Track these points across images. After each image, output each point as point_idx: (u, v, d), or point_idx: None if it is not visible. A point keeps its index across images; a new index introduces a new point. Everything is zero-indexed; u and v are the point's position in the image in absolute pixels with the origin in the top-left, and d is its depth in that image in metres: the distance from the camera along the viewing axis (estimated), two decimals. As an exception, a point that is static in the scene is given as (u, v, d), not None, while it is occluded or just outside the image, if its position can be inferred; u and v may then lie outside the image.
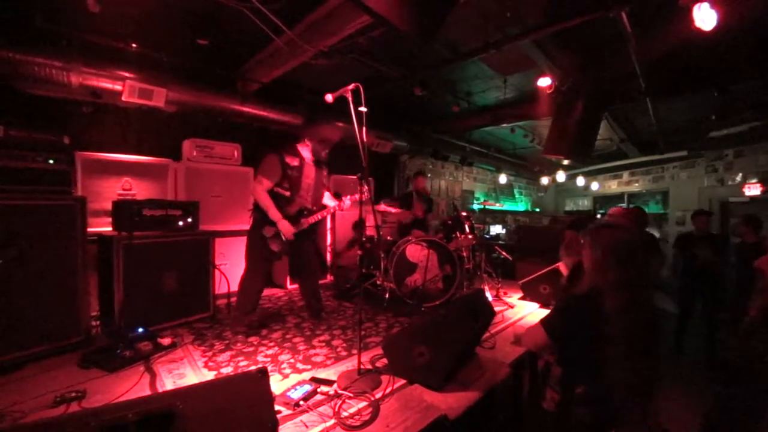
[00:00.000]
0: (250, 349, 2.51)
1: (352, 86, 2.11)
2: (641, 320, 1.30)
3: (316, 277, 3.19)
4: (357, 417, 1.70)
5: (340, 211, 2.99)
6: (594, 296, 1.33)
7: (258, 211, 2.79)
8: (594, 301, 1.32)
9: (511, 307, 3.67)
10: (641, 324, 1.29)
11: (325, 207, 2.95)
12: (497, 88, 4.71)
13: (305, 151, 2.89)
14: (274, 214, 2.70)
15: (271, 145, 2.93)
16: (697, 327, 3.96)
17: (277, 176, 2.73)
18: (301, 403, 1.76)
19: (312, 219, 2.85)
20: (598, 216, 8.10)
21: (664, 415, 2.72)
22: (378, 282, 3.88)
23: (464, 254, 4.01)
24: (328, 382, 2.00)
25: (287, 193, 2.77)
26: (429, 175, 7.41)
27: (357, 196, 2.62)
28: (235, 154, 3.99)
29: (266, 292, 4.04)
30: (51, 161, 2.43)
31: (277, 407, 1.61)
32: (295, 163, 2.80)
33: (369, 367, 2.20)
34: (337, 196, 3.19)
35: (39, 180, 2.37)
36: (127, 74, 3.21)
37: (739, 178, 6.74)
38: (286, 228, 2.72)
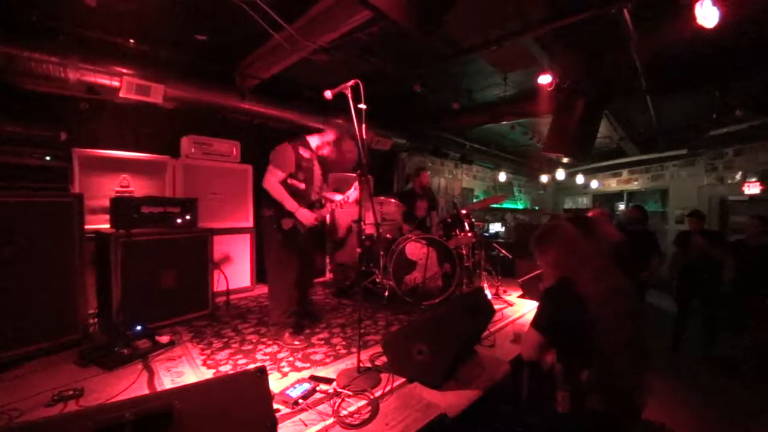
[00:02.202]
0: (249, 347, 2.50)
1: (351, 83, 2.09)
2: (620, 310, 1.36)
3: (314, 278, 3.09)
4: (356, 415, 1.69)
5: (345, 204, 2.80)
6: (566, 284, 1.44)
7: (271, 206, 2.61)
8: (567, 287, 1.43)
9: (511, 305, 3.67)
10: (618, 301, 1.37)
11: (332, 201, 2.83)
12: (497, 85, 4.68)
13: (314, 142, 2.75)
14: (290, 204, 2.55)
15: (272, 142, 2.79)
16: (696, 325, 3.96)
17: (291, 167, 2.59)
18: (300, 401, 1.75)
19: (325, 211, 2.74)
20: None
21: (662, 412, 2.73)
22: (377, 280, 3.87)
23: (464, 252, 4.01)
24: (327, 381, 1.99)
25: (302, 186, 2.63)
26: (428, 173, 7.39)
27: (354, 190, 2.60)
28: (234, 151, 3.97)
29: (264, 290, 4.04)
30: (48, 158, 2.42)
31: (276, 406, 1.60)
32: (307, 155, 2.68)
33: (368, 365, 2.20)
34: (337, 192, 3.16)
35: (36, 177, 2.35)
36: (124, 70, 3.18)
37: (738, 176, 6.74)
38: (305, 216, 2.58)
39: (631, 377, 1.32)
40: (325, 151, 2.74)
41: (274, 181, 2.56)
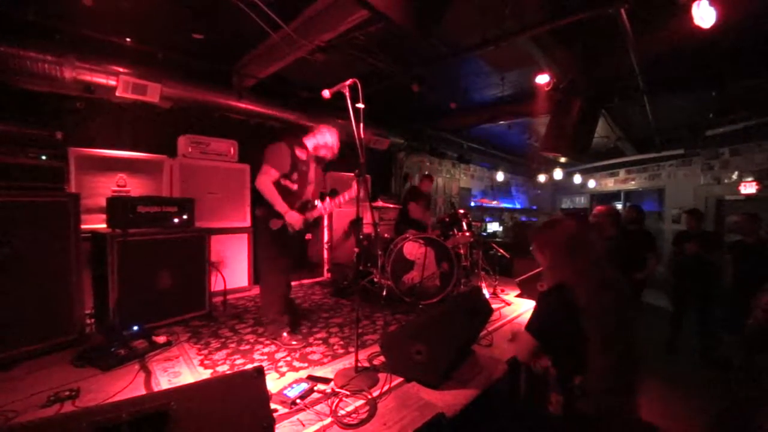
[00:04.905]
0: (247, 347, 2.50)
1: (349, 82, 2.08)
2: (614, 313, 1.33)
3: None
4: (354, 415, 1.69)
5: (338, 207, 2.75)
6: (563, 289, 1.40)
7: (262, 205, 2.58)
8: (564, 294, 1.38)
9: (509, 304, 3.68)
10: (614, 318, 1.33)
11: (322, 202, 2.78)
12: (495, 85, 4.69)
13: (311, 143, 2.70)
14: (281, 206, 2.49)
15: (269, 141, 2.70)
16: (693, 325, 3.98)
17: (286, 168, 2.54)
18: (298, 401, 1.75)
19: (315, 213, 2.68)
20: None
21: (658, 412, 2.74)
22: (375, 279, 3.88)
23: (461, 252, 4.01)
24: (325, 381, 1.99)
25: (294, 186, 2.60)
26: (426, 172, 7.41)
27: (347, 195, 2.57)
28: (232, 150, 3.96)
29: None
30: (43, 157, 2.40)
31: (273, 406, 1.60)
32: (303, 156, 2.66)
33: (366, 365, 2.20)
34: (333, 193, 3.15)
35: (31, 176, 2.34)
36: (121, 69, 3.16)
37: (734, 176, 6.77)
38: (294, 219, 2.52)
39: (621, 385, 1.32)
40: (322, 152, 2.72)
41: (267, 181, 2.51)
